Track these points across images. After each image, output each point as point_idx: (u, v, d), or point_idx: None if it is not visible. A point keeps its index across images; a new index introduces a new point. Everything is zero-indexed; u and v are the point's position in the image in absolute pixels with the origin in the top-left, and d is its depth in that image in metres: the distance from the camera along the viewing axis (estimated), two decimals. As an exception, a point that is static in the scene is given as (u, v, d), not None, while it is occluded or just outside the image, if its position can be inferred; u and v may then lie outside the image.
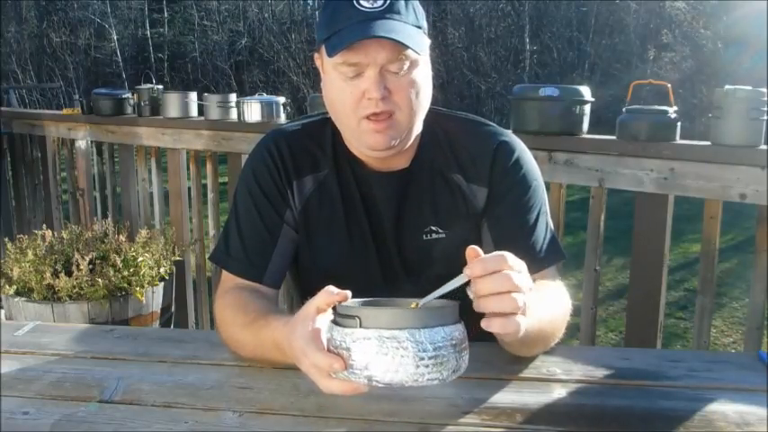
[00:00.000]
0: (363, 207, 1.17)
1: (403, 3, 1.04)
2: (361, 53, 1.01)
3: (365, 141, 1.08)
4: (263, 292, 1.15)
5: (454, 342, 0.78)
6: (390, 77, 1.03)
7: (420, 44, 1.03)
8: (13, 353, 1.14)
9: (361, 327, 0.76)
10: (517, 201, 1.14)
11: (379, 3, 1.02)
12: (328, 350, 0.81)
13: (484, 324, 0.80)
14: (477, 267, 0.79)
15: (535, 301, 0.86)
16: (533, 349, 1.07)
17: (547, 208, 1.18)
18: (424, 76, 1.08)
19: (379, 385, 0.77)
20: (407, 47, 1.00)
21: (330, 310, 0.84)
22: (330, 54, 1.01)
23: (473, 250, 0.81)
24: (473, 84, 13.84)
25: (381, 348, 0.76)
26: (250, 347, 1.04)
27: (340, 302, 0.83)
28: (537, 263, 1.10)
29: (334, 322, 0.81)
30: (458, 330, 0.79)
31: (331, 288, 0.84)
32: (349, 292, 0.83)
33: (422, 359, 0.76)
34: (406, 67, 1.03)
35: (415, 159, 1.17)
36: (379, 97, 1.02)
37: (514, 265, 0.80)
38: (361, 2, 1.01)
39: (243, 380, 1.03)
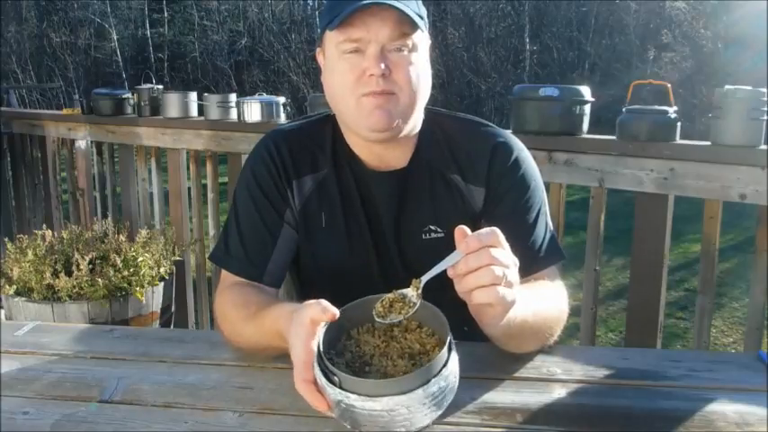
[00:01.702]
0: (362, 206, 1.17)
1: None
2: (362, 28, 1.02)
3: (365, 122, 1.07)
4: (262, 289, 1.15)
5: (431, 398, 0.79)
6: (391, 56, 1.04)
7: (421, 25, 1.04)
8: (13, 353, 1.14)
9: (341, 387, 0.79)
10: (516, 201, 1.14)
11: None
12: (315, 381, 0.83)
13: (469, 301, 0.82)
14: (473, 242, 0.81)
15: (520, 294, 0.86)
16: (522, 344, 1.06)
17: (546, 208, 1.17)
18: (423, 63, 1.09)
19: None
20: (409, 17, 1.01)
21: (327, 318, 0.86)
22: (332, 27, 1.02)
23: (461, 230, 0.83)
24: (473, 84, 13.85)
25: (357, 410, 0.79)
26: (254, 340, 1.04)
27: (327, 323, 0.85)
28: (536, 263, 1.10)
29: (319, 362, 0.82)
30: (439, 383, 0.80)
31: (325, 304, 0.85)
32: (337, 312, 0.85)
33: (396, 420, 0.78)
34: (407, 48, 1.04)
35: (414, 159, 1.17)
36: (380, 74, 1.03)
37: (503, 241, 0.83)
38: None
39: (243, 380, 1.03)
